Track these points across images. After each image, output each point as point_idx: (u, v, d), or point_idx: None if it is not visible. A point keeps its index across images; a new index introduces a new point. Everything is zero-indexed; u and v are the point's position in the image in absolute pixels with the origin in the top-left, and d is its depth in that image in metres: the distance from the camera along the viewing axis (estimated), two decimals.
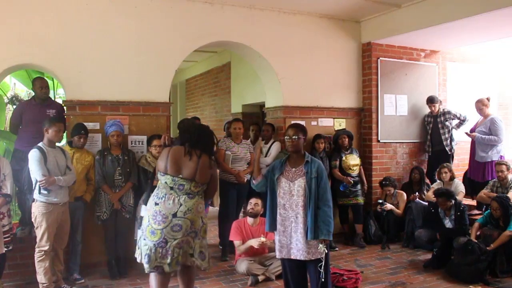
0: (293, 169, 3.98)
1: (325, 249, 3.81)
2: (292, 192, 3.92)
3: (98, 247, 5.64)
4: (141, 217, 4.40)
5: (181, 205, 3.79)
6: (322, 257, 3.83)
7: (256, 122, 8.30)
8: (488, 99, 7.23)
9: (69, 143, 5.44)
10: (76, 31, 5.67)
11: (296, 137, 3.96)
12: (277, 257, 4.08)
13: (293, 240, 3.90)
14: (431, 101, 7.69)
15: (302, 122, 7.02)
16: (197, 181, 3.85)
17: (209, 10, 6.38)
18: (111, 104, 5.83)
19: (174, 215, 3.75)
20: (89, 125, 5.61)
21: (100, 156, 5.43)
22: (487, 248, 5.45)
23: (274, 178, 4.02)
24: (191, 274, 4.14)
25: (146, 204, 5.10)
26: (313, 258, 3.86)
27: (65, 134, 5.51)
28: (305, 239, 3.83)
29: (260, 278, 5.27)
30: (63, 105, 5.86)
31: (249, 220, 5.74)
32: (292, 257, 3.92)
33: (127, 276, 5.50)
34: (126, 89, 5.92)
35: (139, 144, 5.96)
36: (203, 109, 12.07)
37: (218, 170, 6.11)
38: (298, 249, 3.88)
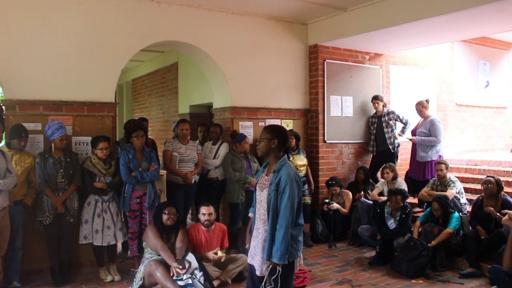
0: (266, 176, 3.51)
1: (266, 270, 3.36)
2: (261, 202, 3.48)
3: (40, 253, 5.41)
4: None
5: None
6: (265, 275, 3.39)
7: (204, 123, 8.26)
8: (427, 101, 7.56)
9: (7, 144, 5.19)
10: (16, 27, 5.42)
11: (261, 138, 3.49)
12: (248, 261, 3.67)
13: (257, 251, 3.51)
14: (375, 97, 7.93)
15: (250, 123, 7.12)
16: None
17: (156, 9, 6.29)
18: (54, 104, 5.62)
19: None
20: (30, 125, 5.38)
21: (41, 158, 5.20)
22: (429, 244, 5.70)
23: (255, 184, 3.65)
24: None
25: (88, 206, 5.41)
26: (259, 275, 3.47)
27: (3, 135, 5.26)
28: (260, 255, 3.45)
29: (216, 282, 5.13)
30: (1, 104, 5.58)
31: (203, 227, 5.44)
32: None
33: (71, 282, 5.32)
34: (70, 89, 5.72)
35: (83, 145, 5.78)
36: (150, 109, 11.86)
37: (165, 172, 6.05)
38: (257, 262, 3.51)
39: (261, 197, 3.48)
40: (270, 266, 3.34)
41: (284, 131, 3.59)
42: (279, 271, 3.33)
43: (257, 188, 3.57)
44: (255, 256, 3.52)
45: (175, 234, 5.12)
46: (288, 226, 3.29)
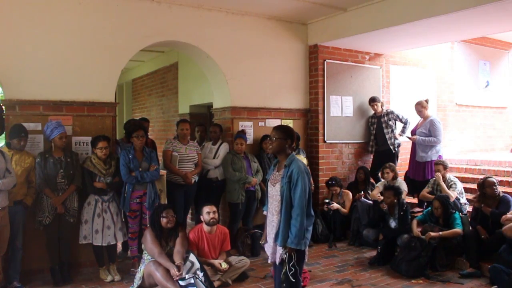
0: (277, 172, 3.79)
1: (285, 256, 3.59)
2: (273, 196, 3.74)
3: (40, 253, 5.40)
4: None
5: None
6: (284, 262, 3.62)
7: (201, 123, 8.25)
8: (426, 101, 7.56)
9: (7, 144, 5.18)
10: (16, 27, 5.42)
11: (274, 138, 3.75)
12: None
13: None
14: (373, 100, 7.94)
15: (250, 123, 7.12)
16: None
17: (157, 9, 6.29)
18: (54, 104, 5.62)
19: None
20: (30, 125, 5.38)
21: (41, 158, 5.20)
22: (433, 234, 5.71)
23: (267, 182, 3.92)
24: None
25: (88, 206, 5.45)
26: (273, 261, 3.79)
27: (3, 135, 5.25)
28: (274, 242, 3.72)
29: (216, 283, 5.11)
30: (1, 104, 5.58)
31: (206, 227, 5.42)
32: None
33: (71, 283, 5.32)
34: (70, 89, 5.72)
35: (83, 145, 5.78)
36: (150, 109, 11.87)
37: (165, 172, 6.04)
38: (269, 251, 3.82)
39: (273, 191, 3.75)
40: (287, 253, 3.59)
41: (294, 132, 3.91)
42: (295, 256, 3.60)
43: (269, 184, 3.86)
44: (271, 246, 3.79)
45: (174, 237, 5.09)
46: (303, 214, 3.56)
